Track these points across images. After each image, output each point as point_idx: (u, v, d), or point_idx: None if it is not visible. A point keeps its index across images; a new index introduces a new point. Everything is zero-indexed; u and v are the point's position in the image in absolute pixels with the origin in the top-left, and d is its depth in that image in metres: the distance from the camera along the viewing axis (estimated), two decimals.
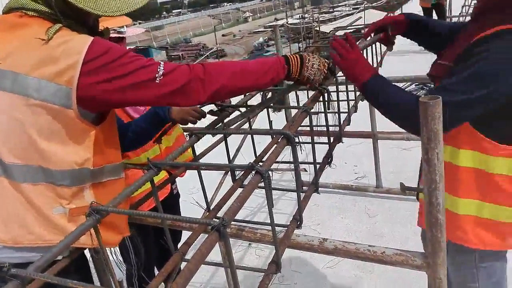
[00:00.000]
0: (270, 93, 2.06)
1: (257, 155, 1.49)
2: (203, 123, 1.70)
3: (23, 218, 1.08)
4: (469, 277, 1.38)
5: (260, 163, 1.33)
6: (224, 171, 2.85)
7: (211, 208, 1.33)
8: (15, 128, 1.04)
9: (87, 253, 1.30)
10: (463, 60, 1.15)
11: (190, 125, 1.67)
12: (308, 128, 1.41)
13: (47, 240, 1.08)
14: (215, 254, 1.47)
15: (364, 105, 2.62)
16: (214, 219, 0.80)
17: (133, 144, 1.64)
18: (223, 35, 34.05)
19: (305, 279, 2.54)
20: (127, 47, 2.02)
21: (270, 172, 0.99)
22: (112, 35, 1.75)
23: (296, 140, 1.15)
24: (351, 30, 3.53)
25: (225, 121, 1.50)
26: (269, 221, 1.05)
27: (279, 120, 5.03)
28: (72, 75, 1.01)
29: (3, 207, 1.08)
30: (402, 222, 2.91)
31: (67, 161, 1.07)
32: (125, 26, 1.85)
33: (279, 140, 1.39)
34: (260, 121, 2.91)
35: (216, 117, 1.49)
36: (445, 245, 0.99)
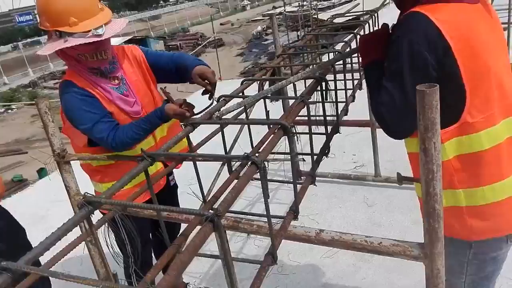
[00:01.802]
0: (267, 82, 2.04)
1: (254, 145, 1.48)
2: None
3: None
4: (456, 268, 1.37)
5: (256, 154, 1.32)
6: (221, 162, 2.83)
7: (207, 200, 1.32)
8: None
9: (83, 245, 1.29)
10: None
11: None
12: (305, 118, 1.40)
13: None
14: (216, 246, 1.46)
15: (362, 93, 2.61)
16: (207, 211, 0.79)
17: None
18: (221, 24, 33.82)
19: (304, 269, 2.55)
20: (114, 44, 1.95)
21: (266, 163, 0.98)
22: (88, 40, 1.66)
23: (293, 130, 1.13)
24: (349, 18, 3.50)
25: (221, 109, 1.49)
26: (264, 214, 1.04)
27: (276, 110, 5.03)
28: None
29: None
30: (401, 211, 2.90)
31: None
32: (103, 26, 1.71)
33: (275, 131, 1.38)
34: (258, 111, 2.89)
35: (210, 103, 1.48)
36: (442, 235, 0.98)
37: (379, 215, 2.94)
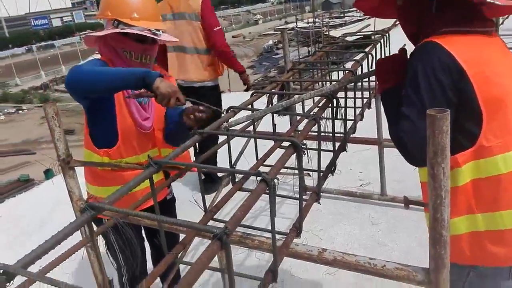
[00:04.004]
0: (275, 96, 2.04)
1: (259, 157, 1.46)
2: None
3: None
4: None
5: (262, 168, 1.31)
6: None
7: (209, 209, 1.30)
8: None
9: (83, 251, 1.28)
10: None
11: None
12: (313, 134, 1.39)
13: None
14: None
15: (371, 112, 2.60)
16: (216, 227, 0.77)
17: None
18: (233, 37, 34.10)
19: (305, 285, 2.51)
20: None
21: (276, 180, 0.97)
22: (147, 34, 1.72)
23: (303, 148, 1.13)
24: (359, 37, 3.50)
25: (229, 120, 1.48)
26: (269, 227, 1.03)
27: (283, 122, 5.02)
28: None
29: None
30: (406, 232, 2.86)
31: None
32: (161, 31, 1.79)
33: (282, 144, 1.37)
34: (265, 122, 2.88)
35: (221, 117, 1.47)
36: (448, 262, 0.96)
37: (383, 234, 2.90)
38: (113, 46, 1.77)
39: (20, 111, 22.47)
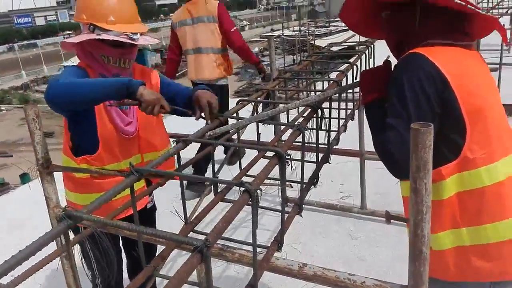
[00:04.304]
0: (260, 104, 2.04)
1: (243, 167, 1.45)
2: (188, 130, 1.66)
3: None
4: None
5: (245, 178, 1.30)
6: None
7: (190, 220, 1.28)
8: None
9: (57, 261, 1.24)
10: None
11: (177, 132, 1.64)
12: (296, 144, 1.38)
13: None
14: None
15: (353, 124, 2.61)
16: (196, 239, 0.75)
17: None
18: None
19: None
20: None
21: (259, 191, 0.95)
22: (123, 40, 1.67)
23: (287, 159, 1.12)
24: (344, 47, 3.54)
25: (215, 129, 1.46)
26: (249, 238, 1.01)
27: (267, 131, 5.01)
28: None
29: None
30: (385, 246, 2.87)
31: None
32: (138, 34, 1.73)
33: (266, 154, 1.36)
34: (249, 130, 2.87)
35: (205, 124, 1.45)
36: (427, 279, 0.96)
37: (363, 248, 2.91)
38: (90, 51, 1.73)
39: None
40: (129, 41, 1.68)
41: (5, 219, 3.84)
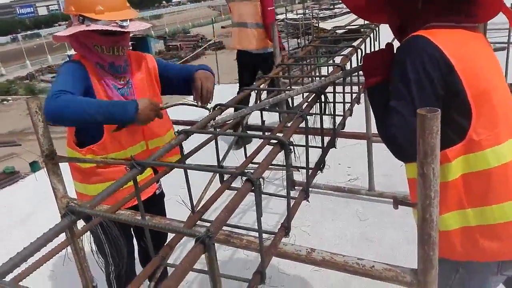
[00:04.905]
0: (264, 92, 2.02)
1: (247, 155, 1.44)
2: (192, 115, 1.66)
3: None
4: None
5: (251, 167, 1.29)
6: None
7: (196, 209, 1.28)
8: None
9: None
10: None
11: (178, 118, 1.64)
12: (300, 129, 1.37)
13: None
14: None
15: (360, 107, 2.58)
16: (199, 229, 0.75)
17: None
18: (222, 27, 33.82)
19: (293, 282, 2.51)
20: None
21: (261, 179, 0.95)
22: (113, 28, 1.66)
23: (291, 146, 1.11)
24: (349, 30, 3.48)
25: (216, 118, 1.46)
26: (256, 226, 1.01)
27: (271, 117, 4.98)
28: None
29: None
30: (393, 228, 2.88)
31: None
32: (128, 20, 1.73)
33: (271, 141, 1.35)
34: (252, 117, 2.85)
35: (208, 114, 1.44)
36: (437, 263, 0.95)
37: (371, 230, 2.91)
38: (83, 42, 1.73)
39: (5, 102, 22.07)
40: (119, 29, 1.67)
41: (17, 208, 3.88)
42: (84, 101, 1.57)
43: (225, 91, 5.29)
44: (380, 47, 1.88)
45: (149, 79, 1.92)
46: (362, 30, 3.05)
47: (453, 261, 1.29)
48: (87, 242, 1.53)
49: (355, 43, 2.41)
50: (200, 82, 1.78)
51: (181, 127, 1.40)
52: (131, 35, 1.89)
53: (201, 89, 1.78)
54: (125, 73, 1.83)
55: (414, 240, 0.95)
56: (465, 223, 1.24)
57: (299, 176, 3.29)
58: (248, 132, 2.16)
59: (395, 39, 1.46)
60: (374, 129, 3.02)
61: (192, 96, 1.87)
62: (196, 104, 1.79)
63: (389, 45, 1.40)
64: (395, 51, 1.33)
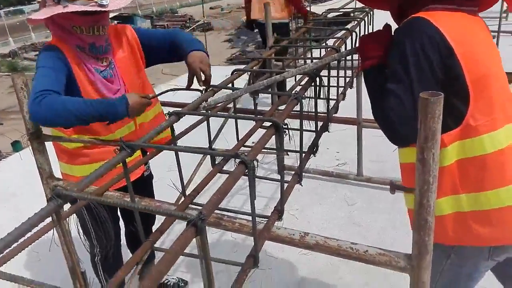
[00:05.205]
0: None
1: (240, 138, 1.41)
2: (182, 98, 1.61)
3: None
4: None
5: (243, 150, 1.26)
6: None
7: (187, 193, 1.25)
8: None
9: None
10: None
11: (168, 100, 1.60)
12: (294, 113, 1.34)
13: None
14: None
15: (351, 92, 2.56)
16: (190, 212, 0.73)
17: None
18: (210, 8, 33.32)
19: (280, 264, 2.52)
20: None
21: (255, 162, 0.92)
22: (91, 8, 1.56)
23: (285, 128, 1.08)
24: (341, 13, 3.44)
25: (208, 100, 1.42)
26: (246, 205, 0.99)
27: (264, 98, 4.94)
28: None
29: None
30: (381, 212, 2.90)
31: None
32: None
33: (264, 124, 1.33)
34: (244, 100, 2.81)
35: (199, 95, 1.41)
36: (431, 249, 0.95)
37: (358, 214, 2.93)
38: (61, 24, 1.63)
39: None
40: (99, 9, 1.58)
41: (1, 188, 3.81)
42: (69, 102, 1.49)
43: (214, 73, 5.20)
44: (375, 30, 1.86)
45: (131, 55, 1.84)
46: (355, 14, 3.02)
47: (445, 246, 1.30)
48: (74, 223, 1.50)
49: (348, 26, 2.38)
50: (197, 68, 1.67)
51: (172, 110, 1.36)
52: (116, 13, 1.81)
53: (201, 75, 1.68)
54: (106, 53, 1.74)
55: (401, 225, 0.95)
56: (459, 209, 1.24)
57: (289, 161, 3.27)
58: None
59: (392, 22, 1.43)
60: (364, 115, 3.02)
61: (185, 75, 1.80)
62: (186, 87, 1.72)
63: (387, 26, 1.37)
64: (393, 33, 1.30)
